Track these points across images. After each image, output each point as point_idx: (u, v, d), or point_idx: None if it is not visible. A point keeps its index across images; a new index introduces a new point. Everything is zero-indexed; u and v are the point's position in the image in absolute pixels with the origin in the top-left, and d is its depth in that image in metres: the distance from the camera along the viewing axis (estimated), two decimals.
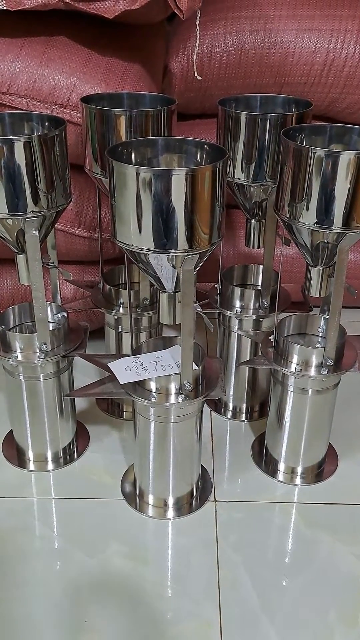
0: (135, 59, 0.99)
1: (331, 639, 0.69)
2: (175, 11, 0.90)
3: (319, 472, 0.91)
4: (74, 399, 0.93)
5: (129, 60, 0.98)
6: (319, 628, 0.70)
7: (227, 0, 1.15)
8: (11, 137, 0.71)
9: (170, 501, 0.84)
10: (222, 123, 0.86)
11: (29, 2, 0.89)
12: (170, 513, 0.84)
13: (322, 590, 0.74)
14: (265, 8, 1.12)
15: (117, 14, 0.88)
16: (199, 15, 0.98)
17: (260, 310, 0.95)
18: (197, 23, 0.99)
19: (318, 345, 0.88)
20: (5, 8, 0.90)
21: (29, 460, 0.92)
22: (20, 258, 0.81)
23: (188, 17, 0.93)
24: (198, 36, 1.04)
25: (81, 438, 0.97)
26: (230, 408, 1.05)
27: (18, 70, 0.92)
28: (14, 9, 0.90)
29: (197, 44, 1.07)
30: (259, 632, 0.69)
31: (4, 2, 0.89)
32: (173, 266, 0.68)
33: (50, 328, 0.84)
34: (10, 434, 0.96)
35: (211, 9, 1.13)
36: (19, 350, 0.83)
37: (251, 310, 0.96)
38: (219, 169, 0.65)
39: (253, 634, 0.69)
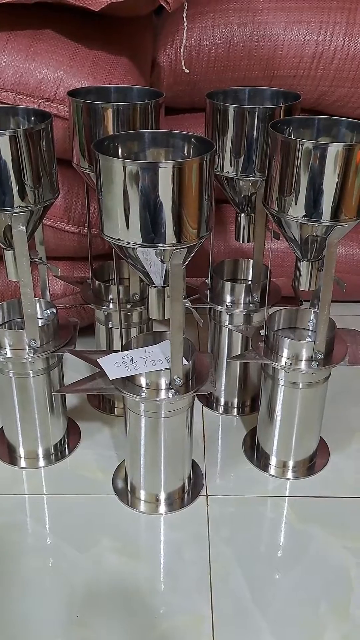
0: (122, 52, 0.98)
1: (323, 631, 0.69)
2: (161, 3, 0.89)
3: (310, 465, 0.91)
4: (64, 395, 0.93)
5: (116, 54, 0.97)
6: (310, 621, 0.70)
7: None
8: None
9: (162, 496, 0.84)
10: (210, 116, 0.85)
11: None
12: (162, 508, 0.84)
13: (313, 583, 0.74)
14: (254, 0, 1.11)
15: (103, 6, 0.88)
16: (186, 8, 0.97)
17: (251, 305, 0.95)
18: (185, 16, 0.98)
19: (308, 339, 0.88)
20: None
21: (20, 457, 0.92)
22: (8, 254, 0.80)
23: (175, 10, 0.92)
24: (186, 29, 1.03)
25: (72, 434, 0.97)
26: (222, 403, 1.04)
27: (4, 64, 0.91)
28: None
29: (184, 37, 1.06)
30: (251, 626, 0.69)
31: None
32: (161, 261, 0.68)
33: (40, 324, 0.84)
34: (0, 431, 0.95)
35: (199, 1, 1.12)
36: (8, 346, 0.82)
37: (242, 305, 0.95)
38: (206, 161, 0.65)
39: (245, 628, 0.69)
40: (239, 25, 1.10)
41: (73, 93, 0.85)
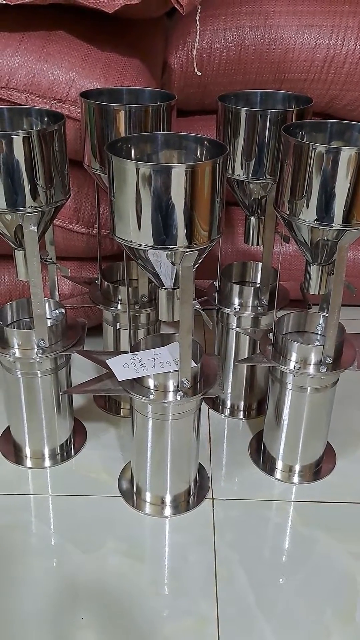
0: (134, 54, 0.98)
1: (327, 636, 0.69)
2: (175, 6, 0.90)
3: (316, 470, 0.91)
4: (71, 395, 0.93)
5: (128, 56, 0.97)
6: (314, 625, 0.70)
7: None
8: (10, 132, 0.70)
9: (168, 499, 0.84)
10: (222, 119, 0.85)
11: None
12: (168, 511, 0.84)
13: (318, 588, 0.74)
14: (266, 4, 1.11)
15: (117, 8, 0.88)
16: (199, 11, 0.97)
17: (259, 308, 0.95)
18: (197, 18, 0.98)
19: (317, 343, 0.87)
20: (4, 2, 0.89)
21: (26, 456, 0.92)
22: (19, 254, 0.80)
23: (188, 13, 0.92)
24: (198, 32, 1.03)
25: (78, 435, 0.97)
26: (228, 406, 1.04)
27: (17, 64, 0.92)
28: (13, 3, 0.90)
29: (197, 40, 1.06)
30: (256, 630, 0.69)
31: None
32: (172, 263, 0.68)
33: (48, 324, 0.84)
34: (7, 430, 0.95)
35: (211, 4, 1.12)
36: (16, 346, 0.82)
37: (250, 308, 0.95)
38: (218, 164, 0.65)
39: (250, 632, 0.69)
40: (251, 28, 1.10)
41: (85, 94, 0.85)
